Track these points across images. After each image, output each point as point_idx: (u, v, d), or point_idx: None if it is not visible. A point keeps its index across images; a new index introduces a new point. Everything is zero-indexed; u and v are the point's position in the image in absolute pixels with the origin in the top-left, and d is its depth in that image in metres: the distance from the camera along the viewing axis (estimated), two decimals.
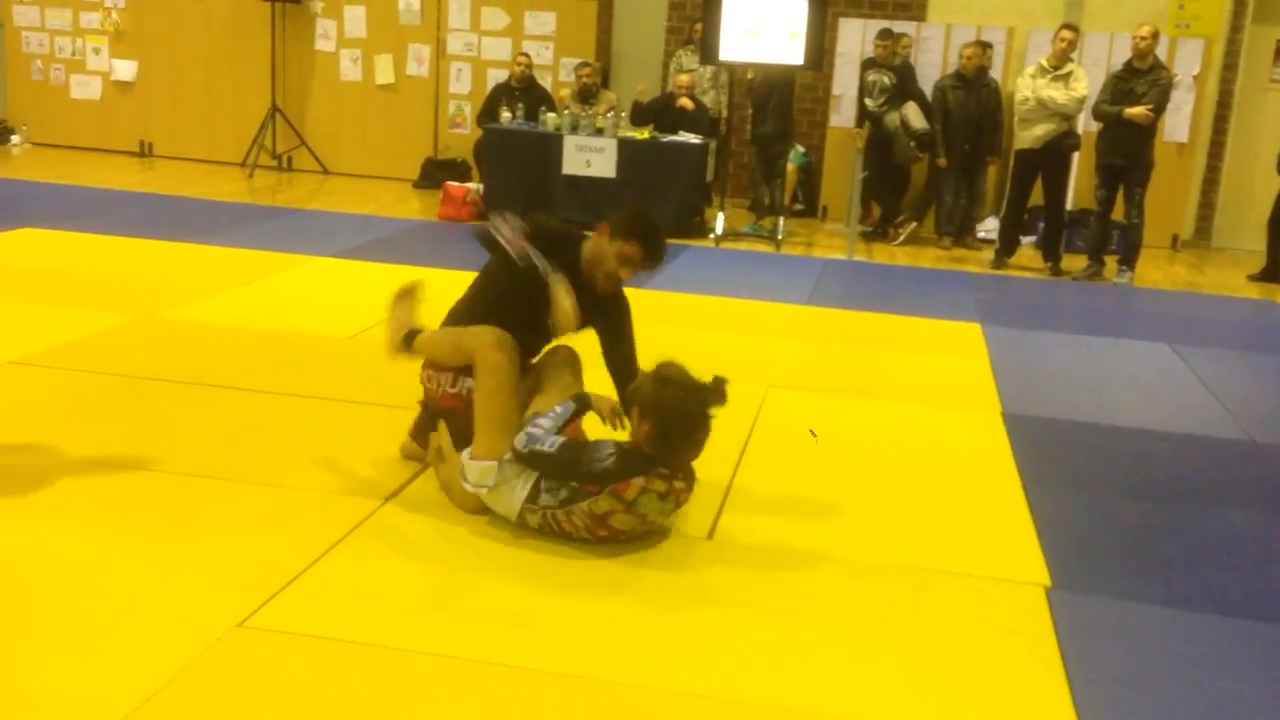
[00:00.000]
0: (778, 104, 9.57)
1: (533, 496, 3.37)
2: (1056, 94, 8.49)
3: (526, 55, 10.41)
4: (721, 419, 4.36)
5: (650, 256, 3.72)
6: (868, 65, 9.71)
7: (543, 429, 3.38)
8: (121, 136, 11.97)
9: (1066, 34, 8.56)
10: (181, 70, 11.74)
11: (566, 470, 3.32)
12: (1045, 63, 8.65)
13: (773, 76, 9.52)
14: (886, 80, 9.52)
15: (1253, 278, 9.02)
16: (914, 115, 9.39)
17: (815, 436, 3.95)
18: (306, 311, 6.02)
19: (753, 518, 3.72)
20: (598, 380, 3.88)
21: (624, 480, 3.28)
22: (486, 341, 3.52)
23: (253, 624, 2.85)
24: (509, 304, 3.71)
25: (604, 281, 3.75)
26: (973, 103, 9.38)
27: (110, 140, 11.97)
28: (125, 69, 11.86)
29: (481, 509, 3.52)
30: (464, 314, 3.84)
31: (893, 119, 9.43)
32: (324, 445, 4.09)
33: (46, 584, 2.99)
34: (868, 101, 9.59)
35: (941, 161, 9.47)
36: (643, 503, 3.32)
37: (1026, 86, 8.63)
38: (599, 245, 3.73)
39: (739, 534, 3.59)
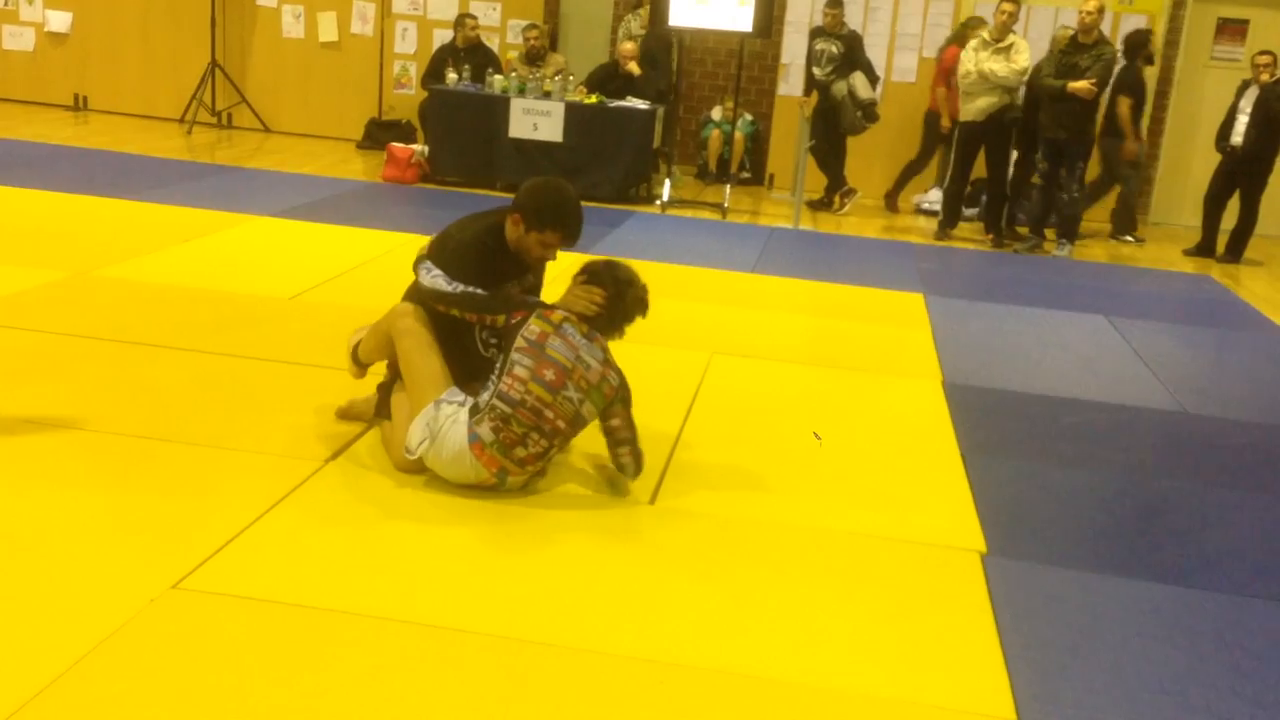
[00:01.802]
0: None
1: (474, 409, 3.42)
2: (998, 66, 8.54)
3: (474, 18, 10.26)
4: (665, 385, 4.37)
5: (569, 238, 3.70)
6: (816, 34, 9.60)
7: (437, 275, 3.56)
8: (55, 89, 11.66)
9: (1007, 7, 8.62)
10: (118, 22, 11.45)
11: (489, 304, 3.51)
12: (987, 35, 8.71)
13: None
14: (834, 49, 9.44)
15: (1188, 252, 9.18)
16: (861, 85, 9.32)
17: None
18: (247, 271, 5.92)
19: (695, 484, 3.73)
20: None
21: (549, 308, 3.51)
22: (395, 314, 3.67)
23: (188, 585, 2.81)
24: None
25: (536, 264, 3.81)
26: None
27: (44, 93, 11.67)
28: (59, 20, 11.54)
29: (421, 469, 3.50)
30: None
31: (840, 88, 9.37)
32: (263, 406, 4.04)
33: None
34: (815, 70, 9.48)
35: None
36: (570, 331, 3.47)
37: (969, 59, 8.68)
38: (517, 236, 3.68)
39: (681, 500, 3.60)
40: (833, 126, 9.52)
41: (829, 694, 2.62)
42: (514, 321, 3.48)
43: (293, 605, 2.77)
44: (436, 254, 3.67)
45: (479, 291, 3.54)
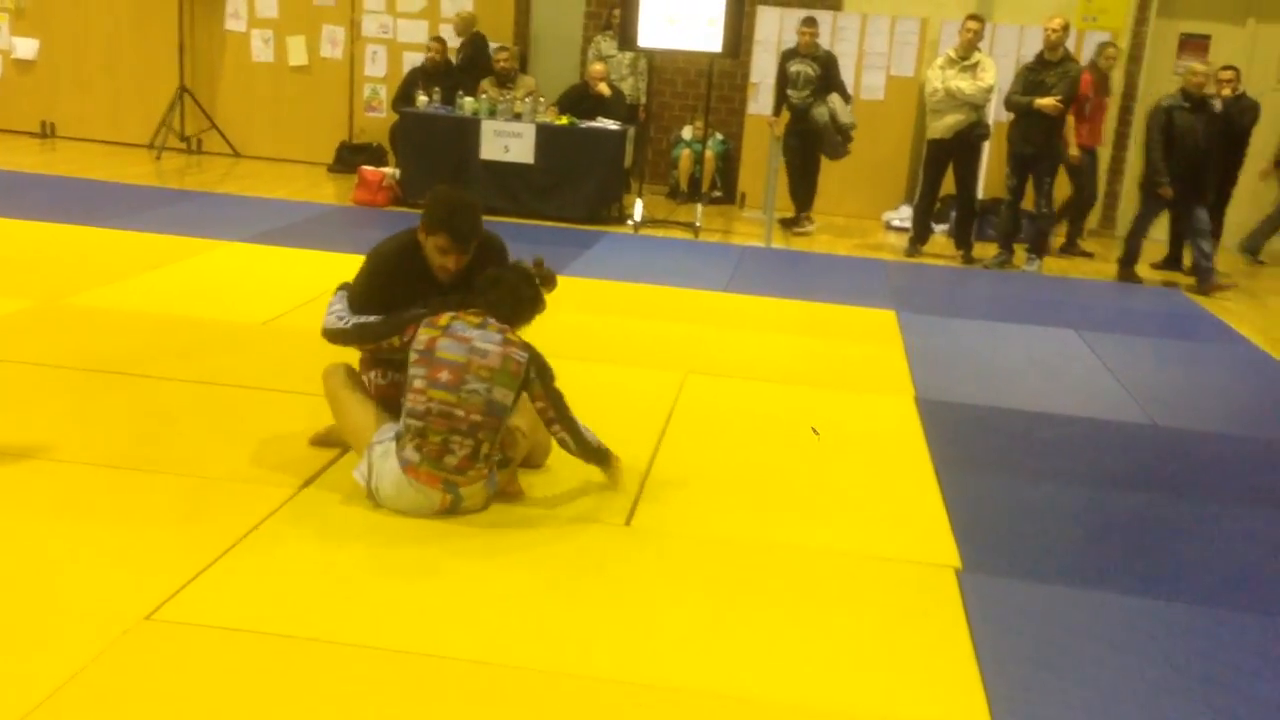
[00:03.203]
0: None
1: (397, 437, 3.46)
2: (964, 84, 8.62)
3: (440, 41, 10.26)
4: (639, 405, 4.39)
5: (458, 241, 3.64)
6: (789, 56, 9.41)
7: (336, 313, 3.69)
8: (22, 117, 11.59)
9: (972, 24, 8.71)
10: (85, 49, 11.40)
11: (380, 329, 3.58)
12: (953, 53, 8.78)
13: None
14: (811, 71, 9.29)
15: (1155, 266, 9.26)
16: (841, 109, 9.18)
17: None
18: (218, 297, 5.89)
19: (670, 504, 3.73)
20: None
21: (436, 314, 3.52)
22: (323, 377, 3.80)
23: (160, 616, 2.79)
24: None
25: (441, 274, 3.71)
26: (1201, 126, 8.28)
27: (10, 120, 11.59)
28: (26, 47, 11.48)
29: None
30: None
31: (821, 112, 9.17)
32: (235, 433, 4.02)
33: None
34: (790, 93, 9.31)
35: (1166, 192, 8.39)
36: (459, 328, 3.46)
37: (936, 77, 8.76)
38: (423, 243, 3.69)
39: (656, 520, 3.60)
40: (809, 149, 9.44)
41: (806, 712, 2.62)
42: (406, 340, 3.51)
43: (267, 634, 2.74)
44: (359, 271, 3.78)
45: (370, 320, 3.63)
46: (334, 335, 3.69)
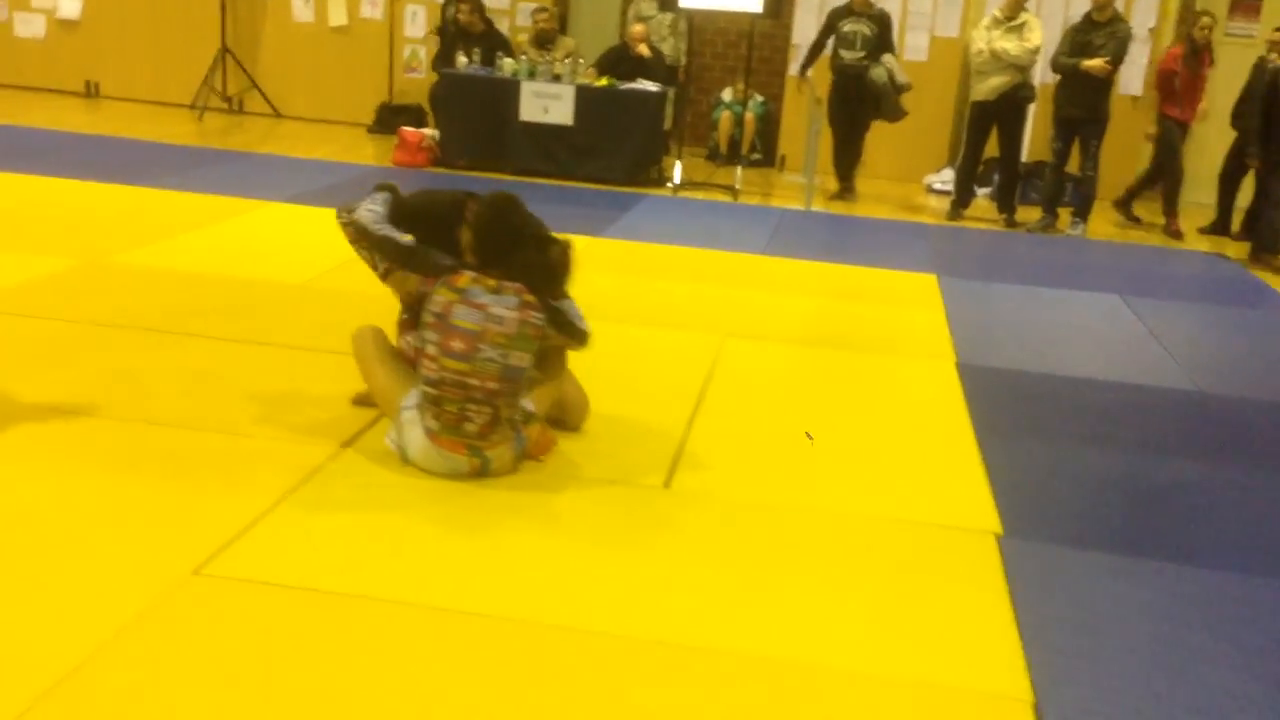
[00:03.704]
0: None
1: (420, 404, 3.46)
2: (1010, 45, 8.47)
3: (467, 4, 10.10)
4: (677, 368, 4.39)
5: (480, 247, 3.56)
6: (842, 14, 9.05)
7: (373, 212, 3.61)
8: (67, 76, 11.68)
9: None
10: (128, 8, 11.45)
11: (406, 254, 3.52)
12: (999, 13, 8.63)
13: None
14: (868, 30, 8.91)
15: (1203, 230, 9.13)
16: (897, 69, 8.89)
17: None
18: (258, 257, 5.93)
19: (709, 467, 3.74)
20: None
21: (457, 273, 3.44)
22: (353, 340, 3.78)
23: (208, 571, 2.83)
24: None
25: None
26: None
27: (55, 80, 11.68)
28: (70, 7, 11.55)
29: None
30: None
31: (879, 73, 8.80)
32: (278, 392, 4.05)
33: None
34: (844, 54, 8.99)
35: (1255, 162, 8.34)
36: (476, 292, 3.39)
37: (980, 38, 8.62)
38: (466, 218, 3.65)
39: (695, 483, 3.60)
40: (860, 114, 9.14)
41: (845, 676, 2.62)
42: (426, 290, 3.46)
43: (311, 590, 2.78)
44: (407, 194, 3.75)
45: (400, 238, 3.54)
46: (357, 229, 3.58)
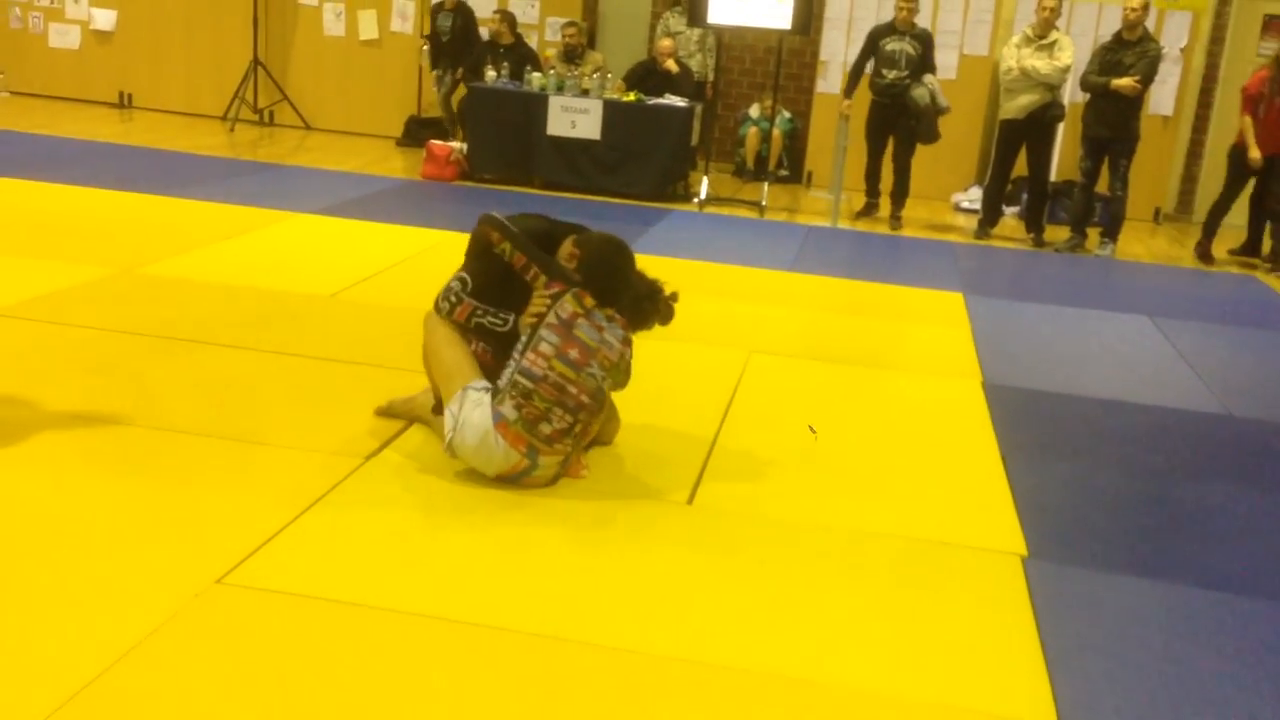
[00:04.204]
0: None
1: (495, 391, 3.47)
2: (1040, 64, 8.43)
3: (498, 14, 10.21)
4: (702, 383, 4.40)
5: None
6: (884, 33, 8.89)
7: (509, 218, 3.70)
8: (100, 87, 11.82)
9: (1049, 3, 8.45)
10: (161, 21, 11.58)
11: (541, 256, 3.59)
12: (1030, 31, 8.61)
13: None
14: (912, 50, 8.77)
15: (1233, 252, 9.05)
16: (939, 91, 8.79)
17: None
18: (288, 268, 5.97)
19: (733, 483, 3.73)
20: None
21: (584, 291, 3.55)
22: (426, 317, 3.76)
23: (232, 580, 2.84)
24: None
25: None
26: None
27: (89, 90, 11.82)
28: (104, 18, 11.69)
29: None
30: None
31: (921, 94, 8.70)
32: (304, 402, 4.07)
33: (24, 539, 2.98)
34: (887, 73, 8.83)
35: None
36: (598, 316, 3.54)
37: (1010, 56, 8.60)
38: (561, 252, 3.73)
39: (719, 499, 3.60)
40: (902, 132, 8.97)
41: (867, 697, 2.61)
42: (550, 292, 3.53)
43: (334, 601, 2.79)
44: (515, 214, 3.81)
45: (535, 249, 3.63)
46: (497, 223, 3.63)
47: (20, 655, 2.47)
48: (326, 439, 3.77)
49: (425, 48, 10.73)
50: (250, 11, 11.18)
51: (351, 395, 4.15)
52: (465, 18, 10.45)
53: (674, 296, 3.77)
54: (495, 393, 3.47)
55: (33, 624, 2.59)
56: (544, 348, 3.46)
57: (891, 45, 8.88)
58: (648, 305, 3.71)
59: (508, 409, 3.43)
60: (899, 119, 8.92)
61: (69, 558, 2.89)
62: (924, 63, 8.85)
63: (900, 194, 9.15)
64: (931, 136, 8.90)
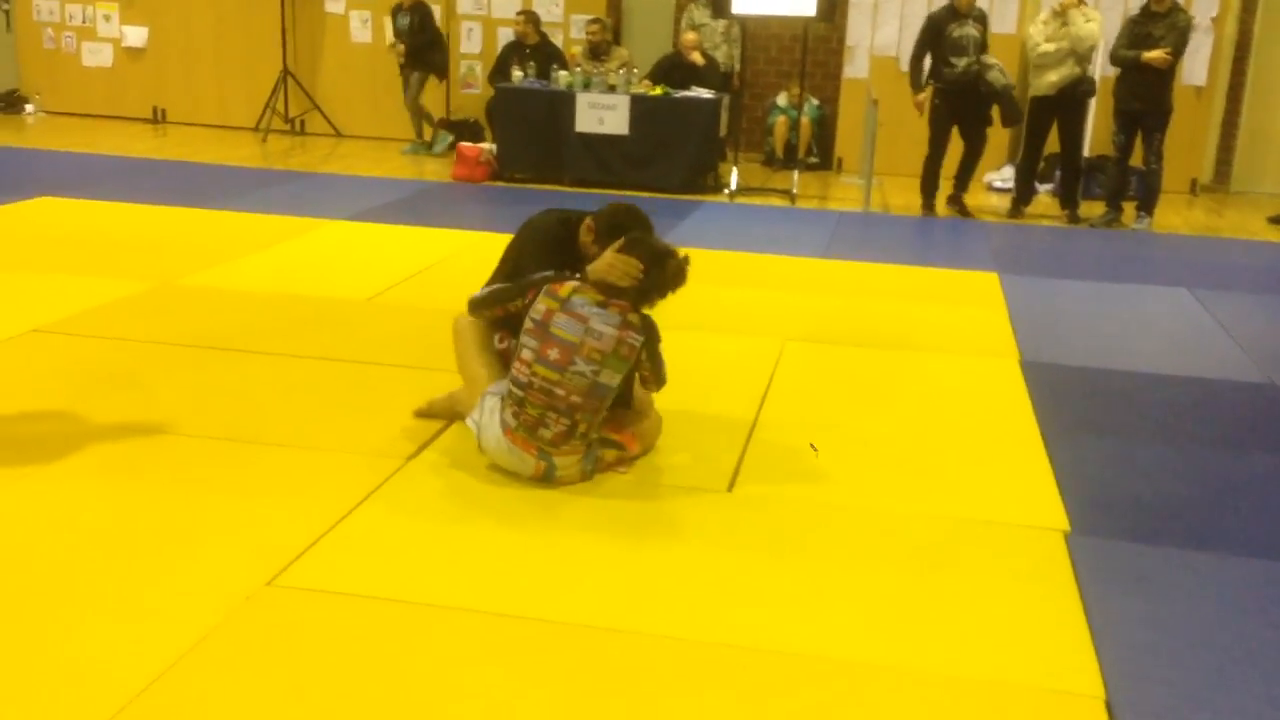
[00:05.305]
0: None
1: (502, 395, 3.53)
2: (1073, 27, 8.30)
3: (522, 15, 10.23)
4: (739, 373, 4.40)
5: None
6: (947, 19, 8.51)
7: (484, 288, 3.76)
8: (134, 103, 11.98)
9: None
10: (192, 36, 11.72)
11: (509, 293, 3.63)
12: (1058, 6, 8.53)
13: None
14: (976, 33, 8.43)
15: (1272, 220, 8.95)
16: (1002, 67, 8.48)
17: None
18: (324, 275, 6.04)
19: (772, 470, 3.74)
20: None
21: (558, 282, 3.51)
22: (456, 320, 3.87)
23: (281, 582, 2.89)
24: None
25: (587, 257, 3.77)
26: None
27: (123, 107, 11.98)
28: (136, 35, 11.85)
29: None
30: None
31: (996, 76, 8.36)
32: (345, 406, 4.13)
33: (74, 548, 3.04)
34: (957, 61, 8.43)
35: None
36: (579, 303, 3.44)
37: (1039, 33, 8.52)
38: (587, 242, 3.79)
39: (758, 487, 3.61)
40: (976, 119, 8.62)
41: (915, 676, 2.61)
42: (527, 301, 3.54)
43: (383, 599, 2.83)
44: (511, 244, 3.87)
45: (503, 286, 3.70)
46: (473, 305, 3.76)
47: (76, 663, 2.52)
48: (368, 441, 3.82)
49: (400, 46, 10.61)
50: (278, 22, 11.29)
51: (391, 397, 4.20)
52: (422, 15, 10.47)
53: (686, 259, 3.57)
54: (503, 398, 3.52)
55: (87, 632, 2.64)
56: (525, 354, 3.47)
57: (959, 31, 8.48)
58: (654, 271, 3.49)
59: (509, 416, 3.48)
60: (968, 106, 8.58)
61: (121, 566, 2.95)
62: (985, 44, 8.58)
63: (966, 179, 8.88)
64: (1017, 117, 8.61)
